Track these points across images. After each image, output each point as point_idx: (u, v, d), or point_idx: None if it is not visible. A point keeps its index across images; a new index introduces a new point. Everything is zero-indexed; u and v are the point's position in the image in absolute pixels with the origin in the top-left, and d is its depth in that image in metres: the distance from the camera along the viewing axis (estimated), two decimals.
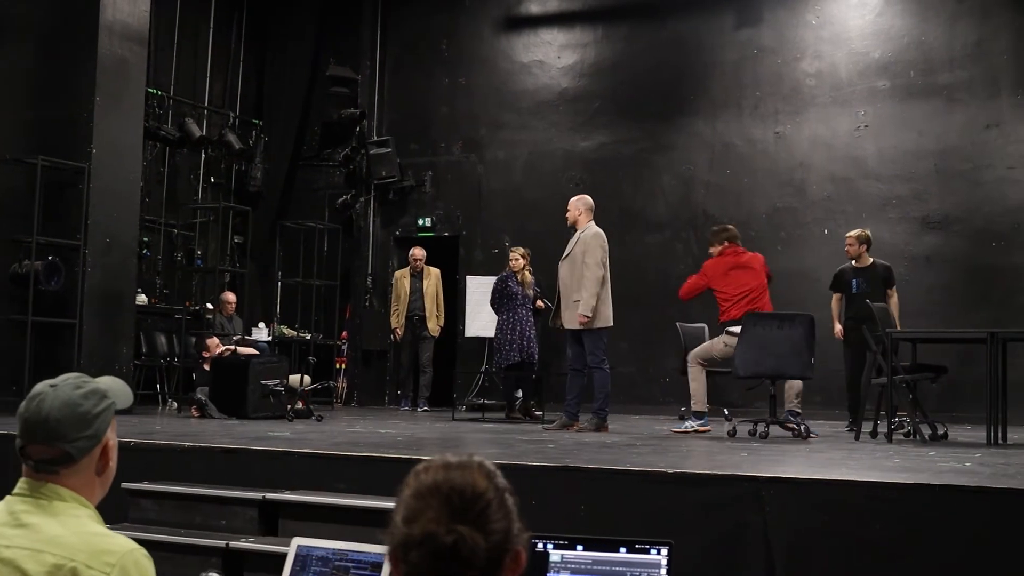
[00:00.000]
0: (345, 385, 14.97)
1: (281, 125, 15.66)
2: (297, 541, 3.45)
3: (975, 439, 9.13)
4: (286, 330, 15.03)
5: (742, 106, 13.95)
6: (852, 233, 11.19)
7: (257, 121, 15.61)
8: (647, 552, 3.26)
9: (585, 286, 10.13)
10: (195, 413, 11.04)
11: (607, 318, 10.20)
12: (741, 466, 6.19)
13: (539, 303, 12.59)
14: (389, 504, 5.69)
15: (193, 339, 12.98)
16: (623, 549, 3.29)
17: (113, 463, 2.65)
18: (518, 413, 12.28)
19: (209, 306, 14.17)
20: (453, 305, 15.05)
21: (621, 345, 14.13)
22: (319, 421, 10.58)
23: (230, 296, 14.11)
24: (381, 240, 15.69)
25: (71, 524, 2.48)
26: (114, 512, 6.87)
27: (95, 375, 8.46)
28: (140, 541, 6.31)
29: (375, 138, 15.48)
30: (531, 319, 12.00)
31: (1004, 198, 12.72)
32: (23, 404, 2.53)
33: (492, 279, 14.49)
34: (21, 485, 2.53)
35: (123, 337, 11.10)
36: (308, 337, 14.93)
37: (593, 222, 10.46)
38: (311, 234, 15.10)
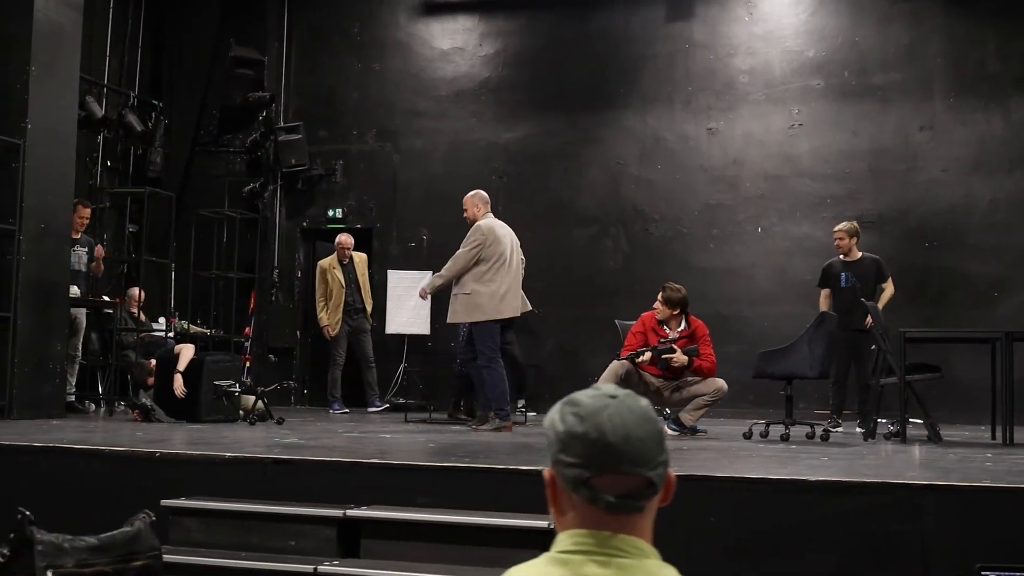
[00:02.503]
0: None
1: (182, 107, 14.65)
2: None
3: (978, 439, 9.12)
4: (187, 326, 14.07)
5: (673, 101, 13.75)
6: (841, 226, 10.97)
7: (157, 102, 14.56)
8: None
9: (446, 267, 9.76)
10: (137, 417, 10.13)
11: (491, 311, 9.73)
12: (888, 473, 5.89)
13: None
14: (499, 521, 5.12)
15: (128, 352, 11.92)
16: None
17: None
18: (462, 413, 11.79)
19: (106, 299, 13.12)
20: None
21: (548, 342, 13.80)
22: (280, 424, 9.84)
23: (134, 291, 13.12)
24: (287, 231, 14.87)
25: None
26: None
27: (28, 374, 7.61)
28: (198, 568, 5.55)
29: (282, 123, 14.65)
30: None
31: (937, 199, 12.88)
32: (574, 421, 1.93)
33: (415, 273, 13.95)
34: (583, 539, 1.91)
35: (57, 332, 10.09)
36: (210, 333, 14.05)
37: (490, 214, 10.13)
38: (213, 225, 14.19)
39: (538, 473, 5.86)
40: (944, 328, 11.26)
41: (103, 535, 3.54)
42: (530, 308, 11.61)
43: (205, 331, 14.04)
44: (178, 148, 14.62)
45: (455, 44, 14.55)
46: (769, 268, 13.27)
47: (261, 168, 14.70)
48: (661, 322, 9.49)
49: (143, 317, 13.44)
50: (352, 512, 5.79)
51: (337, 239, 13.11)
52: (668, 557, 5.44)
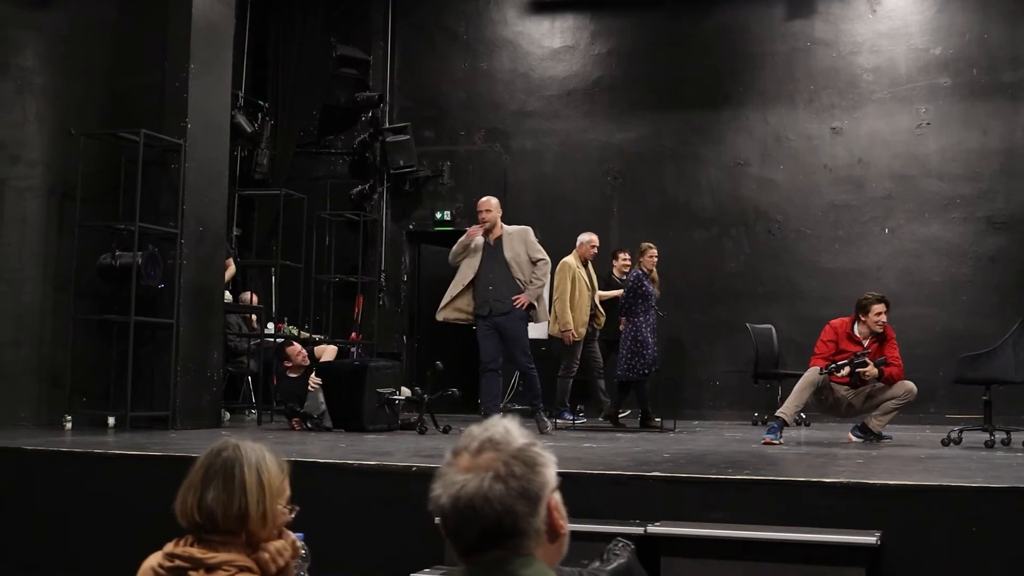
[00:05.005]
0: None
1: (286, 108, 14.34)
2: None
3: None
4: (294, 330, 13.77)
5: (795, 100, 13.49)
6: None
7: (262, 102, 14.24)
8: None
9: (544, 274, 9.89)
10: (296, 426, 9.84)
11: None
12: None
13: None
14: (819, 537, 4.83)
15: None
16: None
17: None
18: (652, 420, 11.42)
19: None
20: None
21: (666, 346, 13.52)
22: (447, 433, 9.58)
23: (246, 296, 12.85)
24: (393, 234, 14.58)
25: None
26: (422, 553, 5.81)
27: (189, 383, 7.27)
28: None
29: (387, 124, 14.37)
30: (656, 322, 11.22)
31: None
32: None
33: None
34: None
35: (213, 339, 9.79)
36: (319, 339, 13.74)
37: None
38: (327, 227, 13.92)
39: (824, 485, 5.61)
40: None
41: (609, 567, 3.25)
42: None
43: (315, 336, 13.73)
44: (282, 149, 14.31)
45: (566, 43, 14.28)
46: (897, 270, 13.03)
47: (366, 169, 14.41)
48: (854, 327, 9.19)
49: (256, 322, 13.17)
50: (654, 529, 5.50)
51: (588, 238, 12.08)
52: None
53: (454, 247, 9.74)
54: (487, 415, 9.51)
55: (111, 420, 9.16)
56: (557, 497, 2.14)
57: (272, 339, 12.49)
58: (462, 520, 2.00)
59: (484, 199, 9.87)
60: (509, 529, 2.01)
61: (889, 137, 13.18)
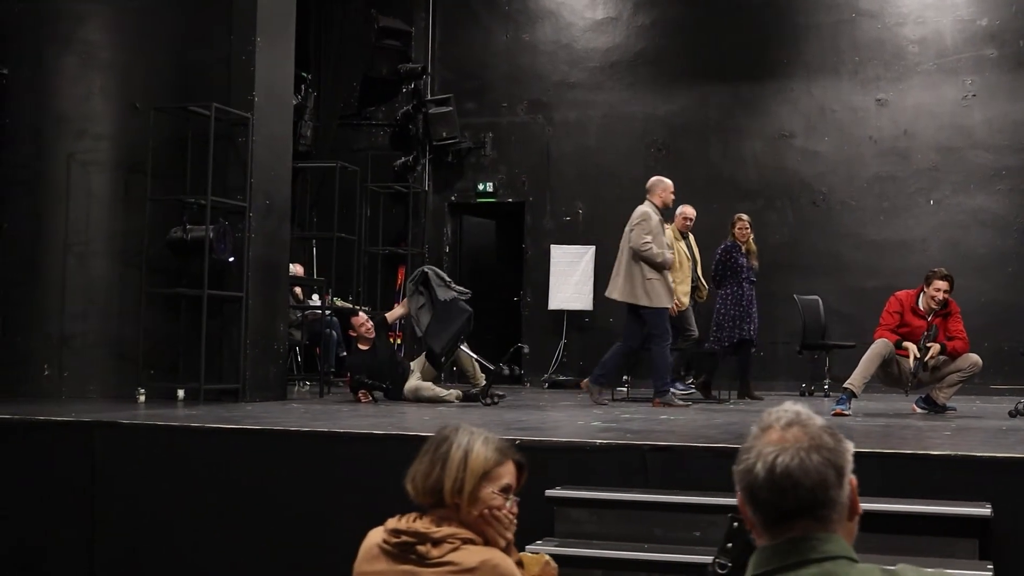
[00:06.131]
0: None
1: (330, 80, 14.35)
2: None
3: None
4: (339, 302, 13.82)
5: (840, 71, 13.49)
6: None
7: (305, 74, 14.24)
8: None
9: None
10: (363, 399, 9.90)
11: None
12: None
13: None
14: (931, 508, 4.88)
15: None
16: None
17: None
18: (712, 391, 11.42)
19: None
20: (522, 276, 14.24)
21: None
22: (497, 404, 9.72)
23: (298, 268, 12.91)
24: (435, 206, 14.61)
25: None
26: (531, 526, 5.87)
27: (258, 356, 7.32)
28: (595, 560, 5.29)
29: (429, 96, 14.38)
30: (754, 293, 11.16)
31: None
32: None
33: (579, 248, 13.76)
34: None
35: (280, 313, 9.84)
36: (364, 310, 13.79)
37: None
38: (362, 198, 14.00)
39: (931, 457, 5.67)
40: None
41: None
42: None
43: (357, 308, 13.78)
44: (325, 121, 14.34)
45: (608, 14, 14.26)
46: (942, 241, 13.07)
47: (408, 141, 14.43)
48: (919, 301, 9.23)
49: (301, 294, 13.24)
50: None
51: (680, 209, 11.61)
52: None
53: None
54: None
55: (180, 393, 9.22)
56: (854, 477, 2.19)
57: (323, 312, 12.59)
58: (777, 490, 2.04)
59: None
60: (821, 499, 2.05)
61: (935, 108, 13.20)
